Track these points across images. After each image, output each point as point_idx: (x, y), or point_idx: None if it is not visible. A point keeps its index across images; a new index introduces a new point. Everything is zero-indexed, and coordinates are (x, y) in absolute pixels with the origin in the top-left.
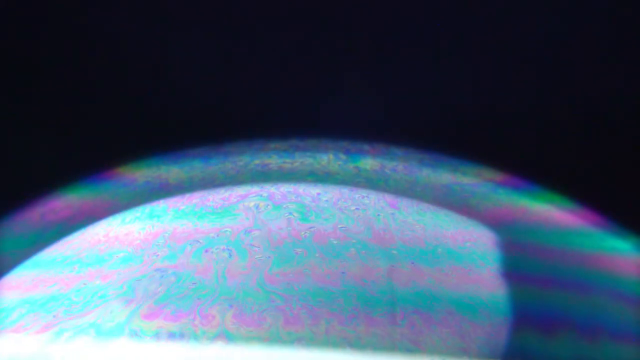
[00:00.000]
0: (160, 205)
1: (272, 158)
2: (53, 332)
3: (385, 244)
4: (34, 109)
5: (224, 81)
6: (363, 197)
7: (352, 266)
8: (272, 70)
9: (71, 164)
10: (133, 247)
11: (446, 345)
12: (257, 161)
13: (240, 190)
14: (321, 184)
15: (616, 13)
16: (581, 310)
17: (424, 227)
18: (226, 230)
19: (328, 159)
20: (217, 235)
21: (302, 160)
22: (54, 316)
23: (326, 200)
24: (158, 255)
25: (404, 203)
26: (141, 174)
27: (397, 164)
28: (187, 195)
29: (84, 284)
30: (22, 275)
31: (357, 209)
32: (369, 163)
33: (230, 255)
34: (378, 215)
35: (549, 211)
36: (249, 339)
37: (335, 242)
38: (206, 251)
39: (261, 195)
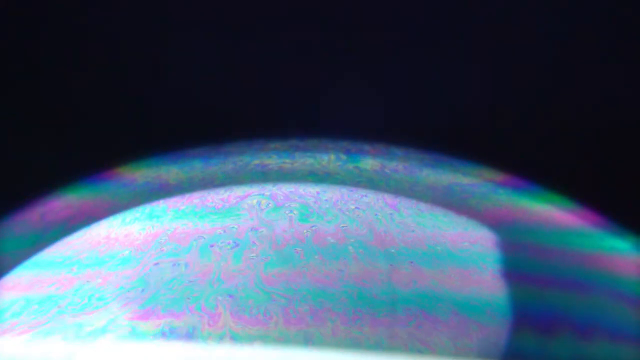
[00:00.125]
0: (160, 205)
1: (272, 158)
2: (52, 332)
3: (386, 245)
4: (34, 109)
5: (224, 81)
6: (363, 197)
7: (353, 267)
8: (272, 70)
9: (71, 164)
10: (133, 247)
11: (447, 345)
12: (257, 161)
13: (241, 191)
14: (321, 184)
15: (616, 14)
16: (581, 310)
17: (424, 228)
18: (226, 230)
19: (328, 159)
20: (217, 235)
21: (302, 160)
22: (53, 316)
23: (326, 201)
24: (158, 254)
25: (404, 203)
26: (141, 174)
27: (398, 164)
28: (187, 196)
29: (84, 284)
30: (22, 275)
31: (357, 209)
32: (369, 163)
33: (230, 256)
34: (378, 215)
35: (549, 211)
36: (249, 338)
37: (335, 242)
38: (206, 251)
39: (262, 196)
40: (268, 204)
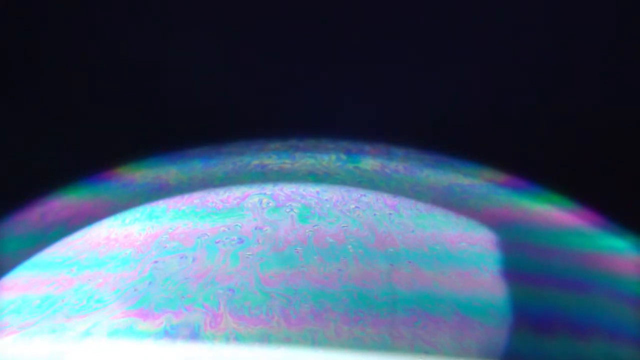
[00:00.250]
0: (160, 205)
1: (272, 158)
2: (52, 332)
3: (386, 245)
4: (34, 109)
5: (224, 81)
6: (364, 198)
7: (353, 267)
8: (272, 70)
9: (71, 164)
10: (133, 248)
11: (447, 345)
12: (257, 161)
13: (241, 191)
14: (321, 184)
15: (616, 15)
16: (581, 310)
17: (425, 228)
18: (229, 230)
19: (329, 159)
20: (219, 235)
21: (302, 160)
22: (53, 317)
23: (326, 201)
24: (159, 254)
25: (405, 204)
26: (141, 174)
27: (398, 165)
28: (188, 196)
29: (84, 285)
30: (22, 275)
31: (358, 209)
32: (369, 163)
33: (232, 254)
34: (379, 216)
35: (549, 211)
36: (249, 338)
37: (335, 243)
38: (209, 249)
39: (262, 196)
40: (268, 204)
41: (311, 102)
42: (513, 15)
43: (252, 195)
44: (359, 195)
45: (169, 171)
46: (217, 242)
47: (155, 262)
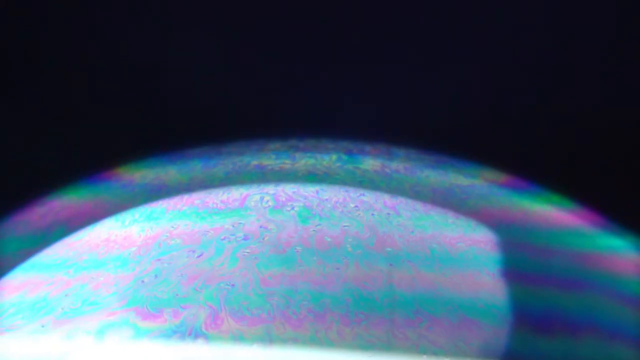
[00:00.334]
0: (160, 206)
1: (272, 158)
2: (52, 332)
3: (386, 246)
4: (34, 109)
5: (224, 81)
6: (364, 198)
7: (353, 268)
8: (272, 70)
9: (71, 164)
10: (133, 248)
11: (448, 346)
12: (257, 162)
13: (241, 191)
14: (322, 184)
15: (616, 15)
16: (580, 310)
17: (425, 229)
18: (227, 231)
19: (330, 159)
20: (217, 236)
21: (302, 160)
22: (53, 317)
23: (326, 201)
24: (158, 255)
25: (405, 204)
26: (141, 174)
27: (398, 165)
28: (188, 196)
29: (84, 285)
30: (22, 276)
31: (358, 210)
32: (369, 164)
33: (230, 256)
34: (379, 216)
35: (549, 212)
36: (249, 338)
37: (336, 243)
38: (205, 252)
39: (263, 197)
40: (269, 205)
41: (311, 102)
42: (513, 15)
43: (252, 196)
44: (359, 196)
45: (168, 171)
46: (222, 239)
47: (156, 261)
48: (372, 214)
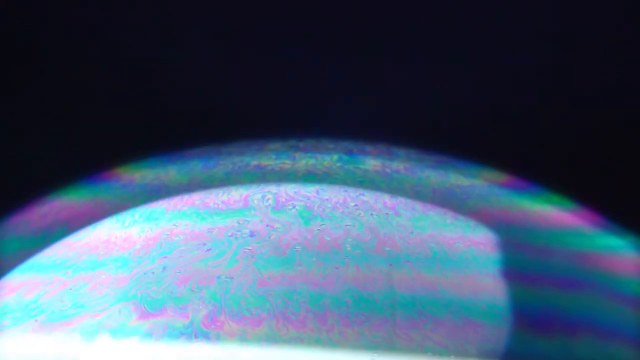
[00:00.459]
0: (160, 206)
1: (272, 158)
2: (51, 332)
3: (387, 247)
4: (34, 109)
5: (224, 81)
6: (365, 199)
7: (353, 268)
8: (273, 70)
9: (71, 164)
10: (133, 248)
11: (448, 346)
12: (256, 162)
13: (241, 191)
14: (322, 184)
15: (615, 14)
16: (580, 310)
17: (425, 229)
18: (227, 231)
19: (330, 159)
20: (217, 237)
21: (303, 160)
22: (52, 318)
23: (327, 201)
24: (158, 257)
25: (405, 205)
26: (141, 174)
27: (399, 165)
28: (188, 196)
29: (84, 286)
30: (22, 276)
31: (358, 210)
32: (370, 164)
33: (230, 257)
34: (379, 217)
35: (549, 212)
36: (248, 339)
37: (336, 244)
38: (205, 253)
39: (263, 197)
40: (269, 205)
41: (311, 102)
42: (513, 15)
43: (252, 196)
44: (359, 196)
45: (169, 171)
46: (229, 236)
47: (156, 262)
48: (372, 214)
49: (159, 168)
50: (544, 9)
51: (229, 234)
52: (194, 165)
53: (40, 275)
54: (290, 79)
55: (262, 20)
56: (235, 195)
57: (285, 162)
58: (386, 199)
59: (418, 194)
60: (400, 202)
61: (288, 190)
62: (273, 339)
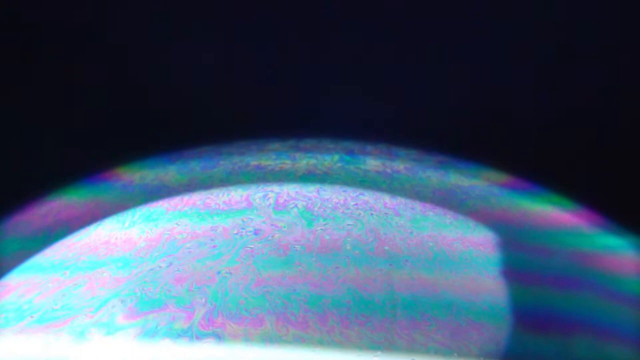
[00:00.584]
0: (160, 206)
1: (272, 159)
2: (51, 332)
3: (387, 247)
4: (34, 109)
5: (224, 81)
6: (365, 199)
7: (353, 269)
8: (273, 70)
9: (71, 164)
10: (134, 249)
11: (448, 346)
12: (257, 162)
13: (241, 192)
14: (322, 185)
15: (615, 14)
16: (580, 310)
17: (426, 230)
18: (226, 232)
19: (331, 159)
20: (216, 237)
21: (303, 161)
22: (50, 318)
23: (327, 201)
24: (157, 257)
25: (406, 205)
26: (141, 175)
27: (399, 165)
28: (188, 197)
29: (83, 286)
30: (21, 277)
31: (358, 211)
32: (371, 164)
33: (229, 257)
34: (380, 218)
35: (549, 212)
36: (248, 339)
37: (336, 244)
38: (205, 252)
39: (264, 197)
40: (269, 205)
41: (311, 102)
42: (513, 15)
43: (253, 196)
44: (359, 196)
45: (168, 172)
46: (235, 233)
47: (156, 262)
48: (372, 215)
49: (159, 168)
50: (544, 8)
51: (234, 232)
52: (194, 165)
53: (39, 275)
54: (290, 79)
55: (262, 21)
56: (235, 195)
57: (285, 162)
58: (386, 199)
59: (419, 194)
60: (401, 202)
61: (289, 191)
62: (273, 339)
